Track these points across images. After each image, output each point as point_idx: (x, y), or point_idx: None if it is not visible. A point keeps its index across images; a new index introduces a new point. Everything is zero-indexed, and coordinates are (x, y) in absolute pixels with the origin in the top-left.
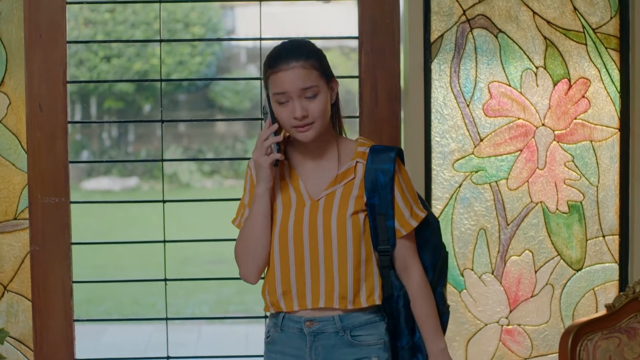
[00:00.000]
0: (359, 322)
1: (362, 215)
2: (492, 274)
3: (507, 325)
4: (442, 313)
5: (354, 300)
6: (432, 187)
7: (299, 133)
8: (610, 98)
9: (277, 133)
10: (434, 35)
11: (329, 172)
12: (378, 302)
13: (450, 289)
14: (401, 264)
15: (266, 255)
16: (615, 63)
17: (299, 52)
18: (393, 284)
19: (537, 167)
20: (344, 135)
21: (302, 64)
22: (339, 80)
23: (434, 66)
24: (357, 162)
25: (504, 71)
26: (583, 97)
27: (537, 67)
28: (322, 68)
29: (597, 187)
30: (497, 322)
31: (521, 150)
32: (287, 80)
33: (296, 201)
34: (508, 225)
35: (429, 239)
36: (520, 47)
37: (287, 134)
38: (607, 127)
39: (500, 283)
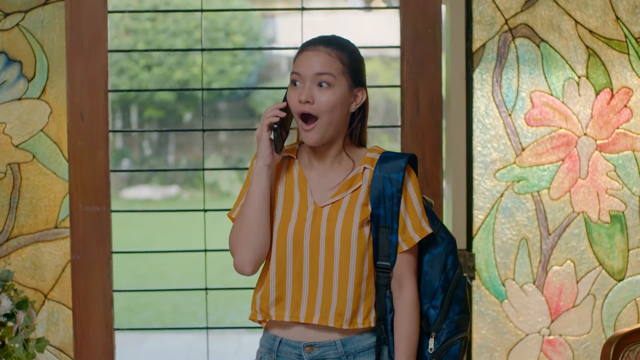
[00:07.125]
0: (362, 347)
1: (367, 229)
2: (534, 284)
3: (549, 335)
4: (454, 342)
5: (351, 320)
6: (474, 196)
7: (304, 132)
8: None
9: (285, 120)
10: (476, 45)
11: (337, 179)
12: (373, 324)
13: (491, 298)
14: (396, 281)
15: (263, 241)
16: None
17: (331, 41)
18: (386, 305)
19: (579, 177)
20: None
21: (328, 51)
22: (380, 89)
23: (476, 75)
24: (364, 167)
25: (546, 80)
26: (625, 106)
27: (579, 77)
28: (350, 67)
29: (639, 196)
30: (539, 332)
31: (563, 160)
32: (305, 60)
33: (299, 202)
34: (550, 235)
35: (437, 257)
36: (562, 57)
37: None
38: None
39: (542, 293)
